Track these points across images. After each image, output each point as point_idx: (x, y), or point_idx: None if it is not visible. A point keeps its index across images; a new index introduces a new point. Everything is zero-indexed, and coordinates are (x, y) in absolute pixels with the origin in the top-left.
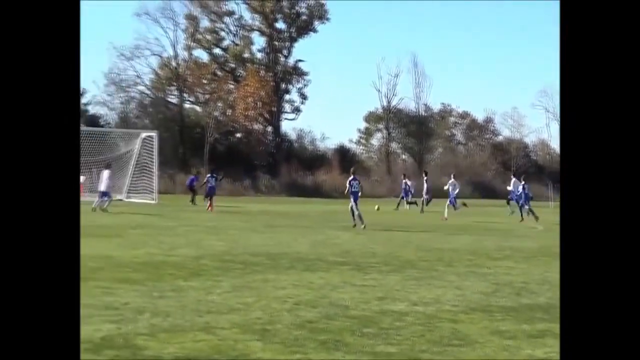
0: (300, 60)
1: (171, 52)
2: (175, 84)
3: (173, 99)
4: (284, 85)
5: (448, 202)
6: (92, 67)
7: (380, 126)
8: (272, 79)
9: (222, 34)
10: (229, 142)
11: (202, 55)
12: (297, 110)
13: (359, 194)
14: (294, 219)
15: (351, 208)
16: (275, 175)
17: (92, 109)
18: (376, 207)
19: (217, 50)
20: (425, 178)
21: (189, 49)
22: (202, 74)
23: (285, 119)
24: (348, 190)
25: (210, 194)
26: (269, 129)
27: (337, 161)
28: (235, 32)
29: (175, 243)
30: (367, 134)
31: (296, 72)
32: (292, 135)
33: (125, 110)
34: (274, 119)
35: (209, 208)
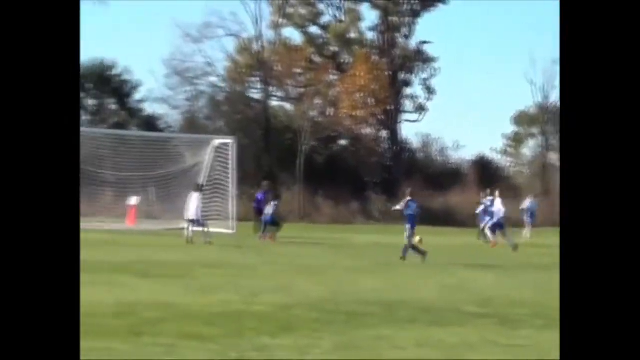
0: (425, 42)
1: (253, 32)
2: (258, 74)
3: (255, 94)
4: (403, 76)
5: (490, 225)
6: (149, 52)
7: (535, 130)
8: (387, 67)
9: (321, 6)
10: (331, 152)
11: (294, 35)
12: (421, 108)
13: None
14: (417, 255)
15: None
16: (392, 196)
17: (149, 108)
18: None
19: (313, 29)
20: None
21: (276, 27)
22: (294, 60)
23: (406, 120)
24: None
25: (271, 222)
26: (384, 134)
27: (475, 177)
28: (338, 5)
29: (259, 287)
30: (517, 140)
31: (420, 58)
32: (415, 143)
33: (192, 110)
34: (391, 121)
35: (267, 238)
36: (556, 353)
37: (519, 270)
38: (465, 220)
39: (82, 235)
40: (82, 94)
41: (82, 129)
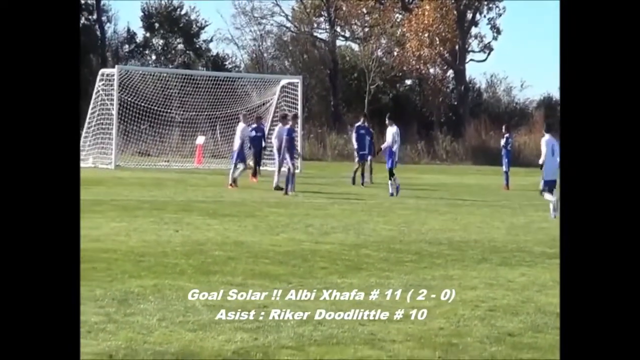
0: None
1: None
2: (324, 13)
3: (322, 34)
4: (469, 15)
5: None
6: None
7: None
8: (454, 6)
9: None
10: (397, 92)
11: None
12: (487, 48)
13: None
14: (485, 195)
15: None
16: (458, 136)
17: (216, 48)
18: None
19: None
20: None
21: None
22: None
23: (472, 60)
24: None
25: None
26: (450, 73)
27: (542, 118)
28: None
29: (327, 226)
30: None
31: None
32: (481, 83)
33: (259, 49)
34: (457, 61)
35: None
36: None
37: None
38: (531, 161)
39: (150, 174)
40: (149, 34)
41: (149, 68)
